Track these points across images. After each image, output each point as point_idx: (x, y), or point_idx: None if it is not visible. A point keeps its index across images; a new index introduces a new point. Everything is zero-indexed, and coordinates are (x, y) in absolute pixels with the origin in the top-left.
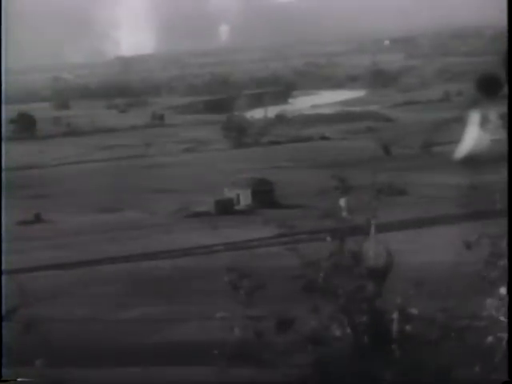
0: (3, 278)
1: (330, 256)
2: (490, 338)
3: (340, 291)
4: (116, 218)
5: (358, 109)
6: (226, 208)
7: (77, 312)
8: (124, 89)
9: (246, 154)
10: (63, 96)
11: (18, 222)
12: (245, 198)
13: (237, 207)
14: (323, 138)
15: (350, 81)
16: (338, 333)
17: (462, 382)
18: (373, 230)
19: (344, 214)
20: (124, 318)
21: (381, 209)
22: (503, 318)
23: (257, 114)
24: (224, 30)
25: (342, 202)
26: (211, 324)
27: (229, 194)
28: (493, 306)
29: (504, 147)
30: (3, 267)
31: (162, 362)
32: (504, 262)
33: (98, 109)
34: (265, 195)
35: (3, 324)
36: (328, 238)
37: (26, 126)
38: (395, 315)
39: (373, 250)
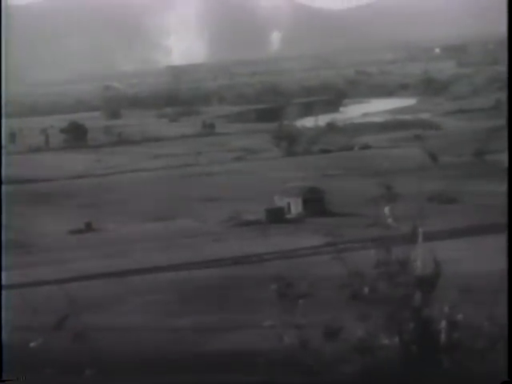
0: (52, 287)
1: (376, 265)
2: None
3: (387, 300)
4: (167, 226)
5: (408, 117)
6: (276, 216)
7: (128, 321)
8: (174, 98)
9: (296, 162)
10: (114, 105)
11: (68, 231)
12: (295, 207)
13: (287, 216)
14: (368, 147)
15: (400, 89)
16: (385, 341)
17: (463, 381)
18: (420, 238)
19: (389, 221)
20: (175, 327)
21: (430, 217)
22: None
23: (307, 122)
24: (274, 39)
25: (387, 209)
26: (261, 332)
27: (279, 202)
28: None
29: None
30: (54, 276)
31: (212, 370)
32: None
33: (148, 118)
34: (315, 204)
35: (53, 333)
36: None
37: (77, 136)
38: (443, 324)
39: (420, 258)
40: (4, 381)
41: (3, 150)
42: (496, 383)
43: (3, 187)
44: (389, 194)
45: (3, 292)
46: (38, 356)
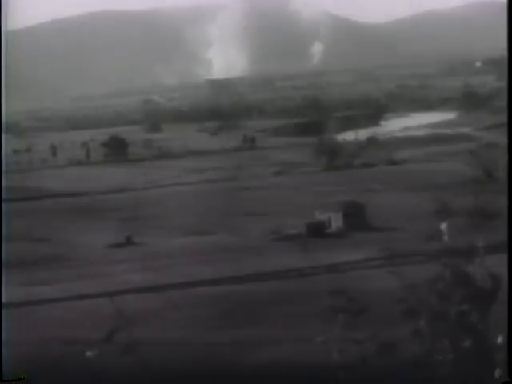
0: (100, 300)
1: (433, 279)
2: None
3: (443, 315)
4: (207, 240)
5: (449, 131)
6: (317, 231)
7: (168, 335)
8: (215, 112)
9: (337, 176)
10: (154, 119)
11: (109, 245)
12: (336, 221)
13: (328, 230)
14: (408, 161)
15: (441, 103)
16: (440, 357)
17: (463, 381)
18: (479, 253)
19: (445, 237)
20: (215, 342)
21: (483, 231)
22: None
23: (348, 136)
24: (315, 53)
25: (444, 225)
26: (304, 347)
27: (320, 216)
28: None
29: None
30: (98, 289)
31: None
32: None
33: (188, 132)
34: (356, 218)
35: (103, 347)
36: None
37: (117, 149)
38: (500, 339)
39: (479, 273)
40: (4, 381)
41: (44, 164)
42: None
43: (44, 201)
44: (444, 210)
45: (42, 306)
46: (89, 369)
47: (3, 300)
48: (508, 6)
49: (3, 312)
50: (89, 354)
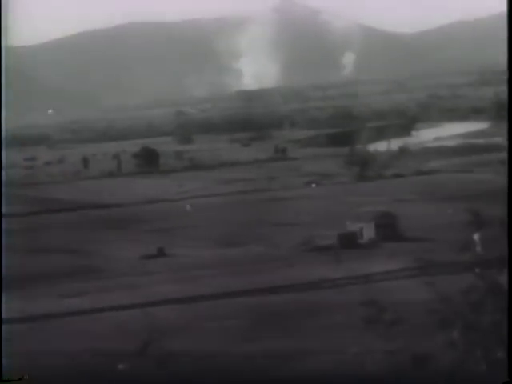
0: (132, 312)
1: (466, 290)
2: None
3: (476, 325)
4: (239, 251)
5: (481, 141)
6: (349, 241)
7: (202, 347)
8: (247, 123)
9: (369, 186)
10: (186, 130)
11: (141, 257)
12: (368, 232)
13: (360, 241)
14: (440, 171)
15: (473, 113)
16: (474, 368)
17: (463, 381)
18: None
19: (478, 248)
20: (249, 353)
21: None
22: None
23: (380, 146)
24: (347, 63)
25: (476, 236)
26: (339, 358)
27: (352, 227)
28: None
29: None
30: (130, 301)
31: None
32: None
33: (220, 143)
34: (388, 228)
35: (136, 360)
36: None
37: (149, 161)
38: None
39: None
40: (4, 381)
41: (76, 176)
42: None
43: (77, 213)
44: (477, 221)
45: (75, 318)
46: (121, 382)
47: (34, 312)
48: (508, 7)
49: (36, 324)
50: (121, 366)
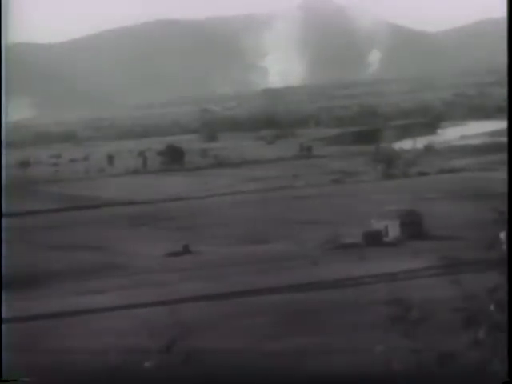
0: (158, 309)
1: (492, 288)
2: None
3: (502, 324)
4: (264, 249)
5: (506, 139)
6: (374, 240)
7: (227, 344)
8: (272, 120)
9: (394, 185)
10: (211, 128)
11: (166, 254)
12: (393, 230)
13: (385, 239)
14: (465, 169)
15: (498, 111)
16: (497, 368)
17: (463, 382)
18: None
19: (504, 247)
20: (274, 350)
21: None
22: None
23: (405, 145)
24: (372, 61)
25: (502, 234)
26: (361, 356)
27: (377, 225)
28: None
29: None
30: (155, 298)
31: None
32: None
33: (245, 141)
34: (413, 227)
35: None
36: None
37: (174, 158)
38: None
39: None
40: (4, 381)
41: (101, 173)
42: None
43: (102, 210)
44: (503, 219)
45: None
46: (147, 380)
47: (59, 309)
48: (508, 7)
49: (59, 321)
50: (147, 364)
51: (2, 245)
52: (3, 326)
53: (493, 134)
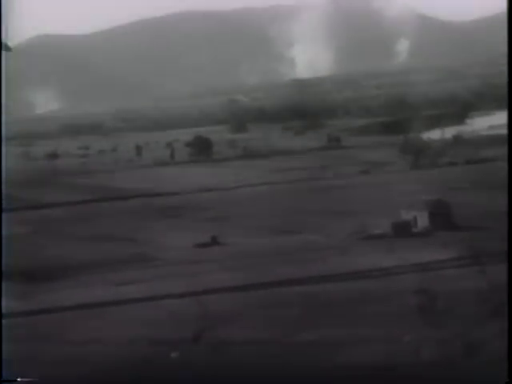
0: (186, 300)
1: None
2: None
3: None
4: (292, 240)
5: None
6: (403, 230)
7: (255, 335)
8: (300, 111)
9: (422, 175)
10: (240, 119)
11: (195, 245)
12: (422, 220)
13: (414, 229)
14: (494, 159)
15: None
16: None
17: (463, 382)
18: None
19: None
20: (303, 341)
21: None
22: None
23: (434, 135)
24: (400, 51)
25: None
26: (390, 346)
27: (406, 216)
28: None
29: None
30: (184, 289)
31: None
32: None
33: (273, 131)
34: (442, 217)
35: (189, 348)
36: None
37: (202, 149)
38: None
39: None
40: (4, 381)
41: (130, 164)
42: None
43: (130, 201)
44: None
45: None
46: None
47: (89, 300)
48: (508, 7)
49: (86, 312)
50: (174, 355)
51: (2, 242)
52: (29, 318)
53: None
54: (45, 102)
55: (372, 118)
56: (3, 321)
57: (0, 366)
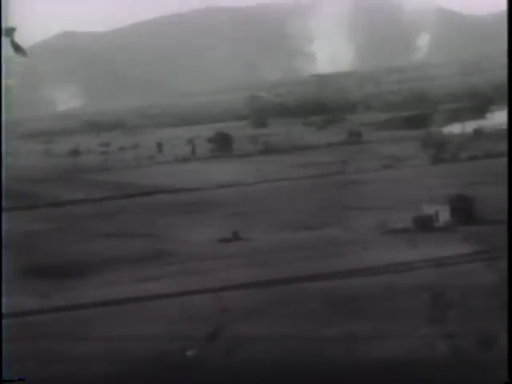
0: (205, 296)
1: None
2: None
3: None
4: (313, 235)
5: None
6: (424, 225)
7: (276, 331)
8: (321, 106)
9: (444, 169)
10: (261, 114)
11: (216, 241)
12: (443, 215)
13: (436, 224)
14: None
15: None
16: None
17: (463, 382)
18: None
19: None
20: (324, 337)
21: None
22: None
23: (454, 129)
24: (421, 45)
25: None
26: (412, 342)
27: (427, 210)
28: None
29: None
30: (204, 285)
31: (362, 380)
32: None
33: (295, 126)
34: (464, 211)
35: (206, 345)
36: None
37: (223, 145)
38: None
39: None
40: (4, 381)
41: (151, 161)
42: None
43: (151, 197)
44: None
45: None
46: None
47: (107, 297)
48: (508, 7)
49: (110, 309)
50: (189, 353)
51: (2, 241)
52: (54, 315)
53: None
54: (66, 100)
55: (393, 112)
56: (26, 319)
57: (0, 366)
